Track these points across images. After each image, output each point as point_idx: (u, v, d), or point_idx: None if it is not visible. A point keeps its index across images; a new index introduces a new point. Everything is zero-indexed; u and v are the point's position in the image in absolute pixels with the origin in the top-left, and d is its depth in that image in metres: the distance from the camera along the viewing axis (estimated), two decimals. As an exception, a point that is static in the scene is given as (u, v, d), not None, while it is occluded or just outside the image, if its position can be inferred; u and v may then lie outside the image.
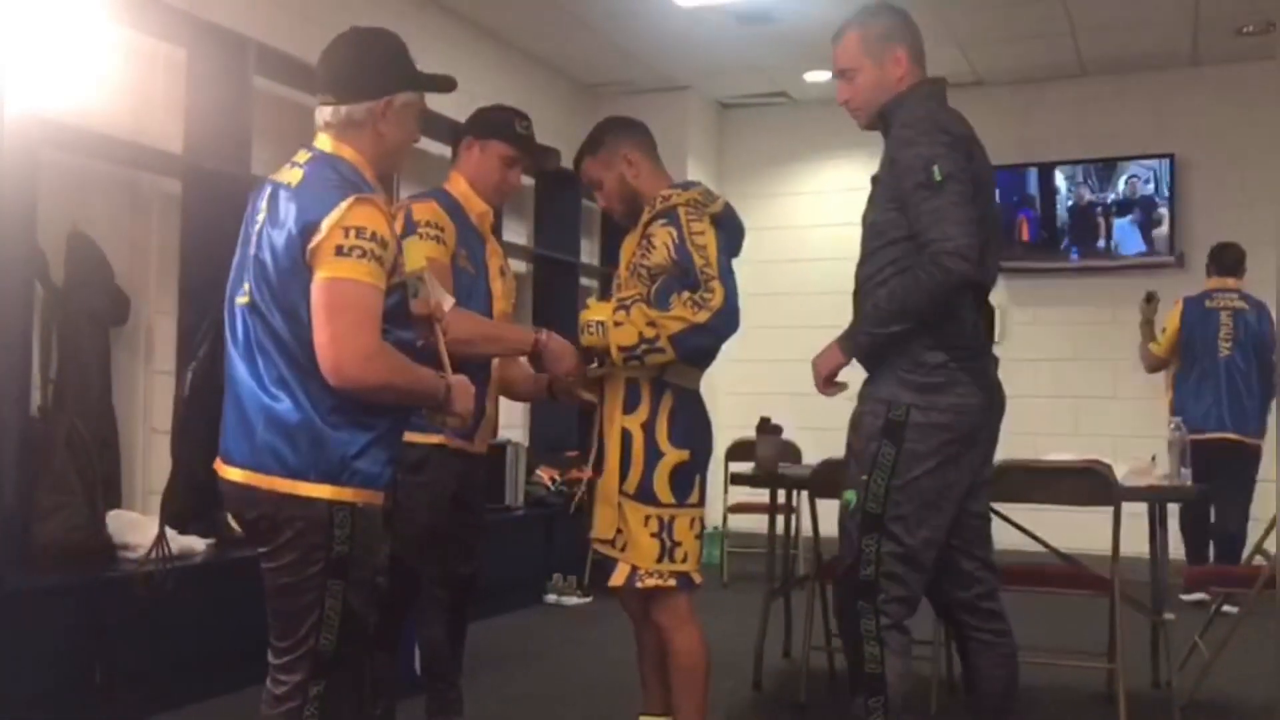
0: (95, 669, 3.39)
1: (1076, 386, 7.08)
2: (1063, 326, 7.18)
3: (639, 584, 2.78)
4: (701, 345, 2.75)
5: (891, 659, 2.44)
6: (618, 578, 2.81)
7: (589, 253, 7.24)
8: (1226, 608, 4.33)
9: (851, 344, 2.62)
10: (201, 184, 4.25)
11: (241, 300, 2.23)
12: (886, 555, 2.47)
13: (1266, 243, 5.13)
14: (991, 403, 2.56)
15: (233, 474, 2.20)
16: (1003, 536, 4.00)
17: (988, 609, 2.62)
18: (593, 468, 2.88)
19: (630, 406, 2.80)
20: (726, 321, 2.72)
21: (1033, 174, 7.21)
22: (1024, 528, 4.00)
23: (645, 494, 2.77)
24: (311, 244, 2.12)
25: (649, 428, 2.78)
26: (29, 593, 3.37)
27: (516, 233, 6.67)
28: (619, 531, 2.80)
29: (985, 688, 2.58)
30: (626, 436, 2.78)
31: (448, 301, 2.44)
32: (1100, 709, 3.84)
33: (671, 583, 2.78)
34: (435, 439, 2.82)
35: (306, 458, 2.15)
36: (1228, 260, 5.82)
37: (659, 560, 2.77)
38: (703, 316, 2.67)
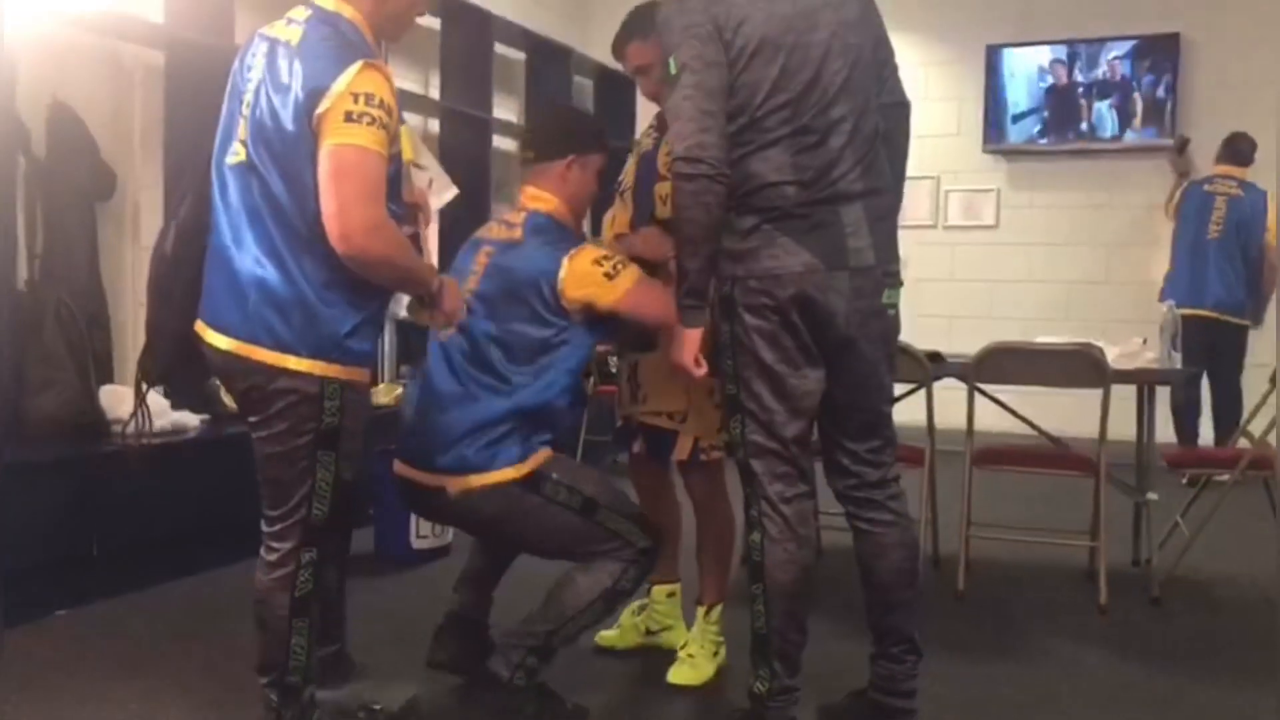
0: (92, 541, 3.44)
1: (1069, 271, 7.06)
2: (1057, 210, 7.12)
3: (703, 457, 2.86)
4: None
5: (770, 546, 2.35)
6: (681, 451, 2.87)
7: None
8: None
9: (681, 310, 2.37)
10: (185, 55, 4.14)
11: (233, 160, 2.20)
12: (750, 435, 2.37)
13: (1269, 128, 5.10)
14: (829, 264, 2.29)
15: (222, 342, 2.21)
16: (993, 419, 4.08)
17: (863, 498, 2.49)
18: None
19: None
20: None
21: (1030, 53, 7.06)
22: (1013, 409, 4.04)
23: (714, 364, 2.78)
24: (319, 109, 2.09)
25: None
26: (24, 466, 3.38)
27: (505, 108, 6.54)
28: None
29: (865, 577, 2.50)
30: None
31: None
32: (1081, 586, 3.93)
33: (721, 454, 2.87)
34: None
35: (299, 332, 2.16)
36: (1237, 149, 5.93)
37: (720, 430, 2.82)
38: None
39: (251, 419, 2.25)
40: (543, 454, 2.60)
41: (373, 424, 4.50)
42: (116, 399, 3.78)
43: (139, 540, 3.26)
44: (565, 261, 2.59)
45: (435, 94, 5.96)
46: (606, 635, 3.12)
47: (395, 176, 2.20)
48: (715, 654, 2.97)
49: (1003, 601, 3.78)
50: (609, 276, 2.60)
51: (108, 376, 3.87)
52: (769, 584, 2.34)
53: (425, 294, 2.34)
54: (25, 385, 3.61)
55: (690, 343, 2.35)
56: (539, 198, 2.75)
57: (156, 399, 3.78)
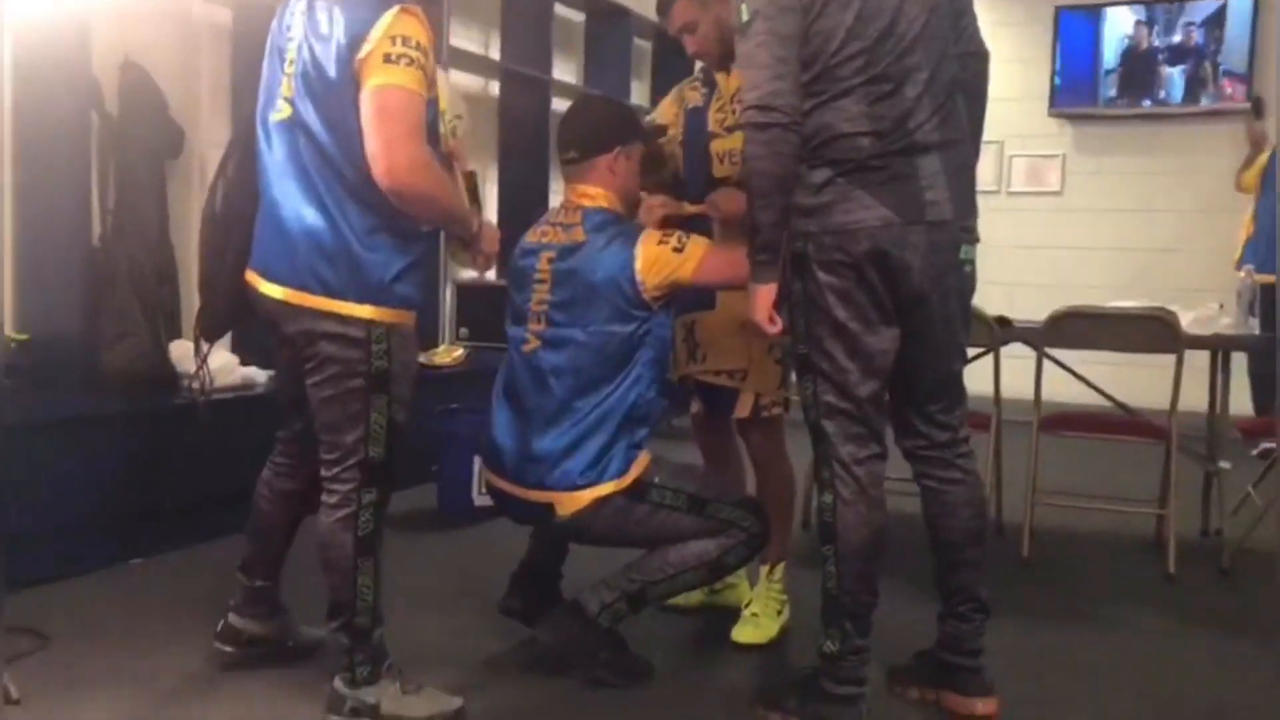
0: (164, 493, 3.50)
1: (1138, 238, 6.93)
2: (1126, 176, 6.99)
3: (765, 414, 2.87)
4: None
5: (842, 508, 2.31)
6: (743, 409, 2.87)
7: (640, 94, 7.08)
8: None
9: (753, 265, 2.31)
10: (251, 13, 4.16)
11: (278, 117, 2.28)
12: (822, 395, 2.33)
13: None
14: (906, 218, 2.24)
15: (273, 290, 2.30)
16: (1060, 389, 4.02)
17: (932, 457, 2.46)
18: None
19: None
20: None
21: (1102, 16, 6.90)
22: (1082, 376, 3.98)
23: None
24: (360, 54, 2.16)
25: None
26: (98, 418, 3.45)
27: (565, 71, 6.52)
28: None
29: (933, 536, 2.47)
30: None
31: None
32: (1148, 555, 3.87)
33: (782, 410, 2.89)
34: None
35: (345, 280, 2.24)
36: None
37: (780, 387, 2.86)
38: None
39: (305, 365, 2.31)
40: (643, 460, 2.62)
41: (433, 382, 4.60)
42: (186, 353, 3.82)
43: (210, 493, 3.31)
44: (637, 253, 2.58)
45: (495, 55, 5.95)
46: None
47: (433, 122, 2.29)
48: (779, 613, 2.97)
49: (1068, 568, 3.74)
50: (678, 251, 2.58)
51: (176, 331, 3.92)
52: (841, 546, 2.32)
53: (466, 234, 2.41)
54: (99, 339, 3.68)
55: (764, 299, 2.32)
56: (589, 194, 2.70)
57: (225, 355, 3.85)
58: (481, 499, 4.12)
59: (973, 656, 2.47)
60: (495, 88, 6.10)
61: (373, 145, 2.15)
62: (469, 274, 6.21)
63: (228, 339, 3.86)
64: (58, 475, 3.21)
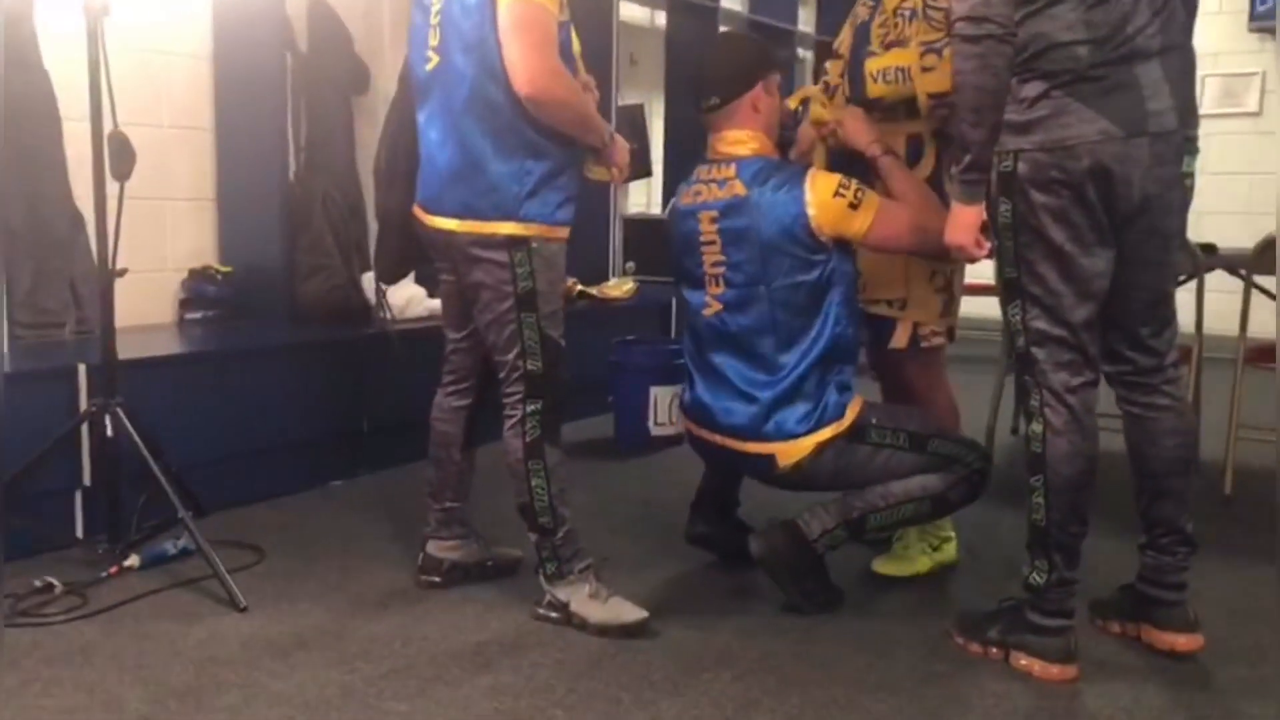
0: (362, 418, 3.65)
1: (1347, 161, 6.45)
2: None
3: (924, 344, 2.78)
4: None
5: (1053, 438, 2.23)
6: (900, 338, 2.78)
7: (806, 20, 6.93)
8: None
9: (960, 186, 2.22)
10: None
11: (429, 67, 2.46)
12: (1032, 321, 2.24)
13: None
14: (1129, 130, 2.13)
15: (434, 222, 2.50)
16: (1265, 323, 3.78)
17: (1137, 382, 2.36)
18: None
19: (913, 160, 2.71)
20: None
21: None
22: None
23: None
24: None
25: (934, 183, 2.68)
26: (298, 346, 3.62)
27: None
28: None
29: (1135, 464, 2.37)
30: None
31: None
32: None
33: (944, 340, 2.80)
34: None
35: (484, 200, 2.41)
36: None
37: (942, 315, 2.78)
38: None
39: (468, 297, 2.52)
40: (857, 401, 2.61)
41: (605, 315, 4.65)
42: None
43: (405, 418, 3.43)
44: (808, 195, 2.52)
45: (663, -16, 5.90)
46: None
47: (565, 45, 2.40)
48: (936, 549, 2.91)
49: (1273, 506, 3.55)
50: (853, 207, 2.52)
51: (367, 264, 4.05)
52: (1050, 476, 2.25)
53: (600, 143, 2.51)
54: (296, 271, 3.83)
55: (972, 220, 2.24)
56: (739, 141, 2.63)
57: (413, 288, 3.96)
58: (658, 428, 4.19)
59: (1175, 590, 2.39)
60: (661, 18, 6.05)
61: (511, 54, 2.30)
62: (637, 208, 6.25)
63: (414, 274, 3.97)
64: (260, 402, 3.38)
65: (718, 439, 2.68)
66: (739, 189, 2.57)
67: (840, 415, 2.57)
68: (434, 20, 2.43)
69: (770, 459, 2.59)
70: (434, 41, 2.44)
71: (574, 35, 2.48)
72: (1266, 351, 3.68)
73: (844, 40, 2.93)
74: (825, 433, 2.56)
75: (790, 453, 2.57)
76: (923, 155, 2.72)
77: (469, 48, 2.36)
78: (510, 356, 2.48)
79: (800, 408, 2.56)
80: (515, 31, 2.30)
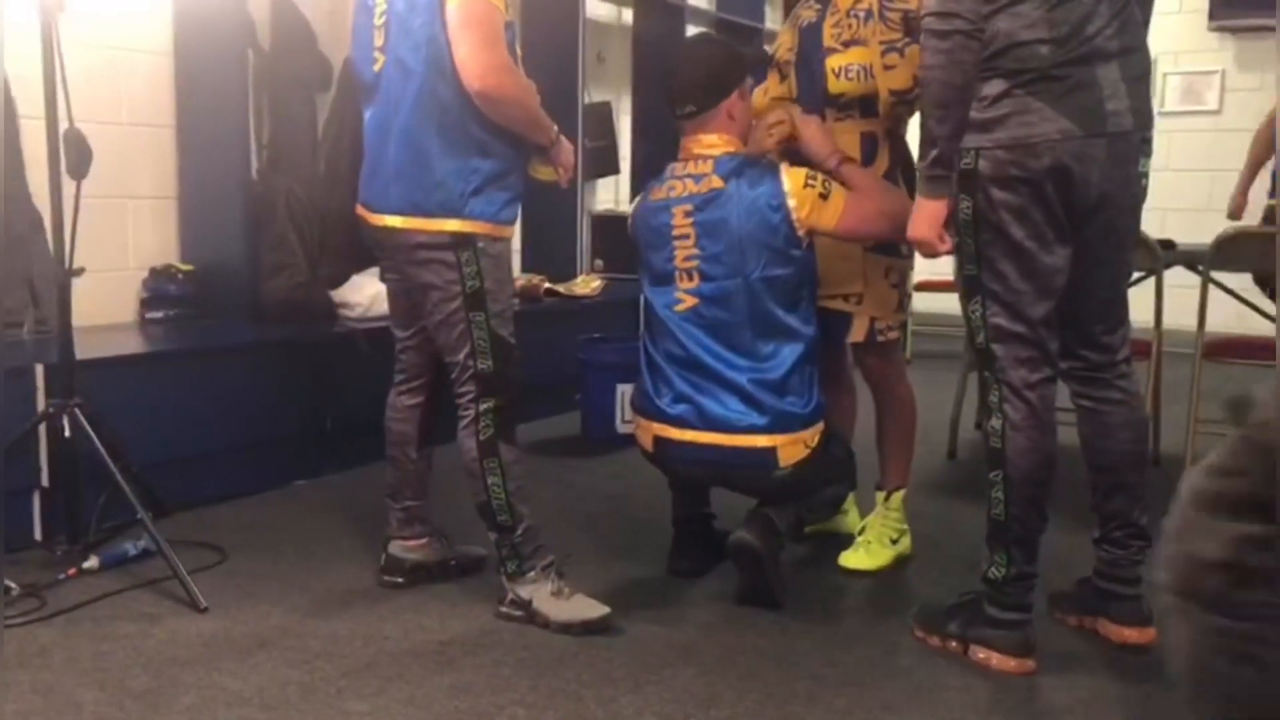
0: (325, 417, 3.63)
1: (1304, 159, 6.54)
2: (1293, 92, 6.58)
3: (880, 338, 2.82)
4: None
5: (1012, 433, 2.24)
6: (858, 333, 2.82)
7: (773, 19, 6.95)
8: None
9: (924, 181, 2.24)
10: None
11: (375, 68, 2.47)
12: (992, 318, 2.25)
13: None
14: (1087, 129, 2.15)
15: (379, 220, 2.50)
16: (1221, 319, 3.84)
17: (1090, 377, 2.39)
18: None
19: (868, 159, 2.74)
20: None
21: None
22: (1249, 301, 3.80)
23: (887, 245, 2.74)
24: None
25: (890, 179, 2.72)
26: (261, 345, 3.60)
27: (701, -2, 6.43)
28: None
29: (1089, 458, 2.40)
30: None
31: None
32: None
33: (898, 334, 2.85)
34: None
35: (430, 197, 2.41)
36: None
37: (896, 311, 2.82)
38: None
39: (415, 299, 2.53)
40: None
41: (573, 313, 4.65)
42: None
43: (368, 417, 3.40)
44: (786, 185, 2.54)
45: (630, -18, 5.90)
46: None
47: (510, 44, 2.41)
48: (895, 541, 2.93)
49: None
50: (824, 197, 2.55)
51: (330, 262, 4.04)
52: (1009, 471, 2.26)
53: (547, 142, 2.52)
54: (259, 270, 3.81)
55: (936, 215, 2.25)
56: (713, 145, 2.64)
57: (378, 285, 3.92)
58: (625, 426, 4.18)
59: (1130, 585, 2.41)
60: (629, 16, 6.05)
61: (461, 50, 2.32)
62: (604, 206, 6.24)
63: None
64: (222, 401, 3.35)
65: (705, 438, 2.62)
66: (716, 183, 2.60)
67: (822, 415, 2.62)
68: (378, 21, 2.44)
69: (770, 453, 2.58)
70: (379, 42, 2.45)
71: (517, 36, 2.51)
72: (1224, 346, 3.73)
73: (783, 43, 2.92)
74: (820, 428, 2.62)
75: (791, 452, 2.58)
76: (876, 154, 2.75)
77: (417, 46, 2.37)
78: (461, 356, 2.48)
79: (792, 400, 2.58)
80: (465, 28, 2.31)
